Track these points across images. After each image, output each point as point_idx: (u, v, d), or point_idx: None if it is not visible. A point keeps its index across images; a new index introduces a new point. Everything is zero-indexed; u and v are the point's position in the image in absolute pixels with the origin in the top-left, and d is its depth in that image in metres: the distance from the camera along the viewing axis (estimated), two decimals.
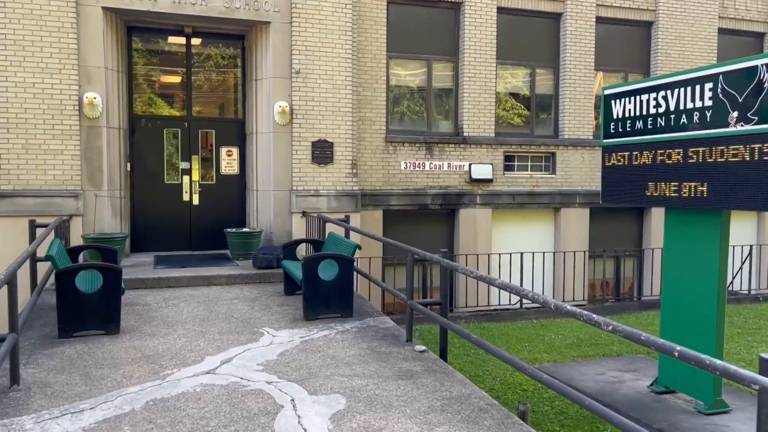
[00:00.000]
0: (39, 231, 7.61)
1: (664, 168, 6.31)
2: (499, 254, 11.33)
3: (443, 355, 5.81)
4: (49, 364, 5.18)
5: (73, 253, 7.10)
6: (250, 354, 5.57)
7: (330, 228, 9.07)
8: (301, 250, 9.47)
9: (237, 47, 10.89)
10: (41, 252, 6.67)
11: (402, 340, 6.08)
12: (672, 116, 6.24)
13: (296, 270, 7.26)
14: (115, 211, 9.62)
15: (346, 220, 9.16)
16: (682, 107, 6.12)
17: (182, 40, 10.60)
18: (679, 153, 6.13)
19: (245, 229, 9.93)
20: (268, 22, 10.08)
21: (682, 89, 6.11)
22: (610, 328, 3.38)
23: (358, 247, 7.02)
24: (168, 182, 10.59)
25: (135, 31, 10.31)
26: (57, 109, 8.93)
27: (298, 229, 10.21)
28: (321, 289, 6.72)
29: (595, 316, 3.50)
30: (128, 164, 10.14)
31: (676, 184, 6.16)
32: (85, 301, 5.87)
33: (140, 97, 10.53)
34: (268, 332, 6.28)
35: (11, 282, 4.43)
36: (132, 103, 10.36)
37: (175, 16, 9.67)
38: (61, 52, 8.91)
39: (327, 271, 6.92)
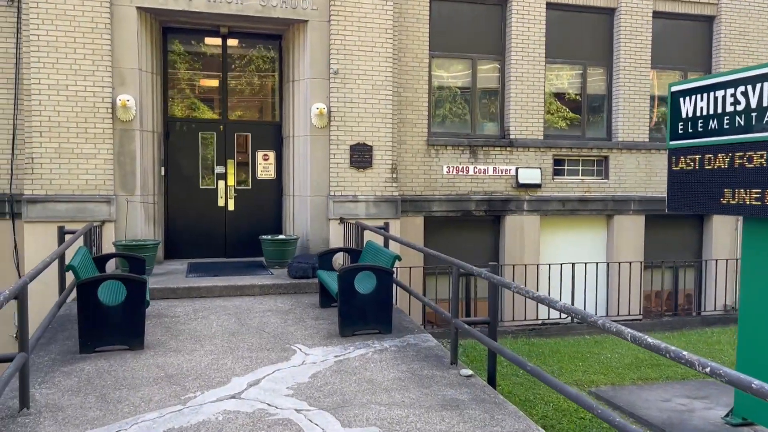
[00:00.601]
0: (69, 237, 7.33)
1: (743, 172, 5.59)
2: (549, 265, 10.63)
3: (492, 381, 5.23)
4: (66, 383, 4.81)
5: (101, 261, 6.80)
6: (280, 375, 5.11)
7: (368, 236, 8.59)
8: (339, 259, 9.00)
9: (274, 48, 10.53)
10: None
11: (446, 362, 5.52)
12: (754, 114, 5.51)
13: (331, 281, 6.78)
14: (148, 217, 9.34)
15: (386, 227, 8.65)
16: (766, 104, 5.39)
17: (218, 41, 10.30)
18: (762, 156, 5.40)
19: (281, 236, 9.53)
20: (306, 21, 9.68)
21: (767, 84, 5.39)
22: (670, 355, 2.80)
23: (398, 257, 6.49)
24: (203, 187, 10.29)
25: (170, 32, 10.05)
26: (90, 112, 8.71)
27: (336, 236, 9.75)
28: (358, 303, 6.22)
29: (673, 350, 2.88)
30: (162, 168, 9.87)
31: (759, 191, 5.44)
32: (107, 315, 5.51)
33: (175, 99, 10.26)
34: (300, 350, 5.81)
35: (20, 297, 4.06)
36: (167, 105, 10.10)
37: (210, 15, 9.36)
38: (95, 54, 8.69)
39: (364, 284, 6.42)
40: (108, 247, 8.56)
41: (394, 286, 6.80)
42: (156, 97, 9.61)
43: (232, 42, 10.39)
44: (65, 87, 8.59)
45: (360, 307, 6.23)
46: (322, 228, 9.85)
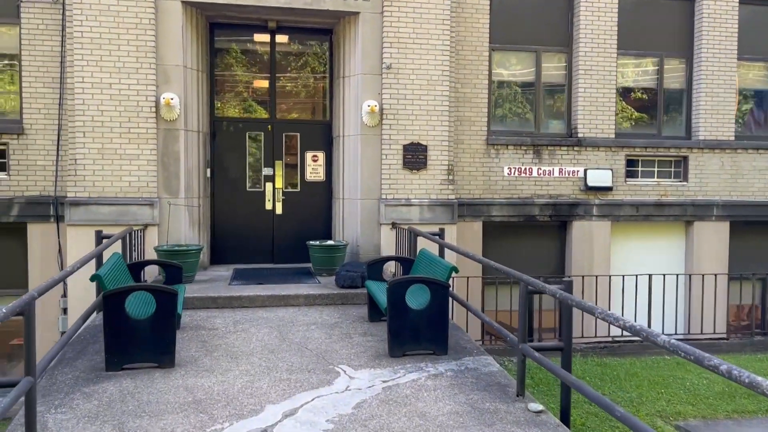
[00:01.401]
0: (100, 246, 6.96)
1: None
2: (623, 276, 9.64)
3: (566, 418, 4.45)
4: (84, 407, 4.34)
5: (137, 268, 6.37)
6: (320, 404, 4.49)
7: (421, 243, 7.90)
8: (390, 267, 8.36)
9: (324, 43, 9.99)
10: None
11: (511, 393, 4.77)
12: None
13: (380, 294, 6.13)
14: (192, 221, 8.96)
15: (441, 234, 7.94)
16: None
17: (266, 37, 9.84)
18: None
19: (329, 242, 8.95)
20: (357, 13, 9.09)
21: None
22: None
23: (455, 269, 5.78)
24: (250, 189, 9.85)
25: (217, 28, 9.65)
26: (133, 111, 8.38)
27: (387, 242, 9.11)
28: (409, 319, 5.54)
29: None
30: (208, 170, 9.48)
31: None
32: (135, 329, 5.04)
33: (222, 98, 9.87)
34: (344, 372, 5.18)
35: (26, 313, 3.58)
36: (213, 104, 9.71)
37: (257, 9, 8.90)
38: (138, 50, 8.35)
39: (417, 298, 5.75)
40: (150, 253, 8.19)
41: (451, 300, 6.08)
42: (202, 95, 9.22)
43: (280, 38, 9.91)
44: (108, 85, 8.29)
45: (412, 324, 5.55)
46: (373, 233, 9.23)
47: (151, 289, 5.11)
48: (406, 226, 8.69)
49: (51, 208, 8.78)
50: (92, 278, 5.03)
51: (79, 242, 8.12)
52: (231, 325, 6.54)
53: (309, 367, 5.27)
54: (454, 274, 6.37)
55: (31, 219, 8.76)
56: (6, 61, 8.95)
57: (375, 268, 6.90)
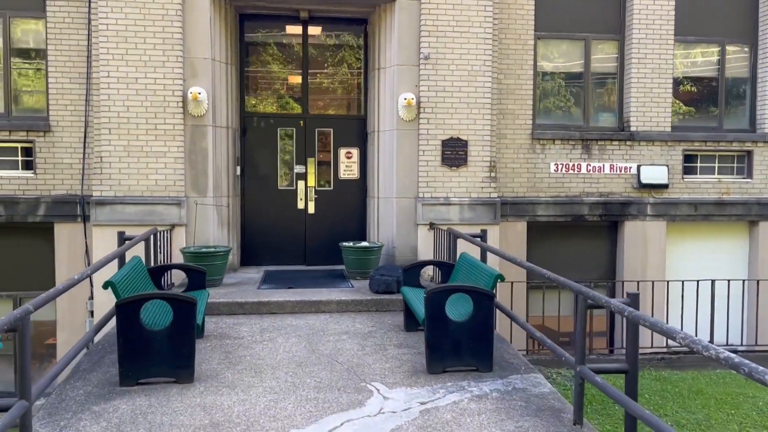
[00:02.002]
0: (119, 249, 6.61)
1: None
2: (682, 282, 8.85)
3: None
4: (91, 431, 3.94)
5: (158, 273, 5.99)
6: (350, 430, 3.99)
7: (462, 245, 7.34)
8: (428, 271, 7.83)
9: (358, 34, 9.50)
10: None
11: (566, 420, 4.19)
12: None
13: (418, 303, 5.60)
14: (221, 221, 8.59)
15: (483, 235, 7.35)
16: None
17: (298, 29, 9.40)
18: None
19: (363, 244, 8.47)
20: (393, 0, 8.56)
21: None
22: None
23: (501, 277, 5.21)
24: (282, 188, 9.43)
25: (247, 20, 9.26)
26: (160, 107, 8.04)
27: (425, 243, 8.57)
28: (450, 332, 5.00)
29: None
30: (238, 168, 9.10)
31: None
32: (151, 340, 4.63)
33: (252, 92, 9.48)
34: (378, 391, 4.67)
35: (19, 329, 3.18)
36: (243, 99, 9.33)
37: None
38: (165, 43, 8.01)
39: (458, 309, 5.20)
40: (178, 255, 7.85)
41: (495, 311, 5.51)
42: (231, 90, 8.84)
43: (313, 29, 9.46)
44: (134, 80, 7.96)
45: (452, 337, 5.01)
46: (410, 234, 8.70)
47: (168, 297, 4.70)
48: (444, 227, 8.14)
49: (78, 208, 8.53)
50: (105, 285, 4.65)
51: (105, 243, 7.82)
52: (257, 334, 6.11)
53: (339, 384, 4.79)
54: (499, 282, 5.79)
55: (58, 219, 8.53)
56: (32, 57, 8.73)
57: (412, 273, 6.37)
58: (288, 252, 9.44)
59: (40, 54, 8.70)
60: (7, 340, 8.45)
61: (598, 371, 4.08)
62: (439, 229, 8.22)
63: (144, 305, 4.74)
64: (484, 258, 7.00)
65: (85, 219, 8.47)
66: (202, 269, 6.01)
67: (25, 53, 8.74)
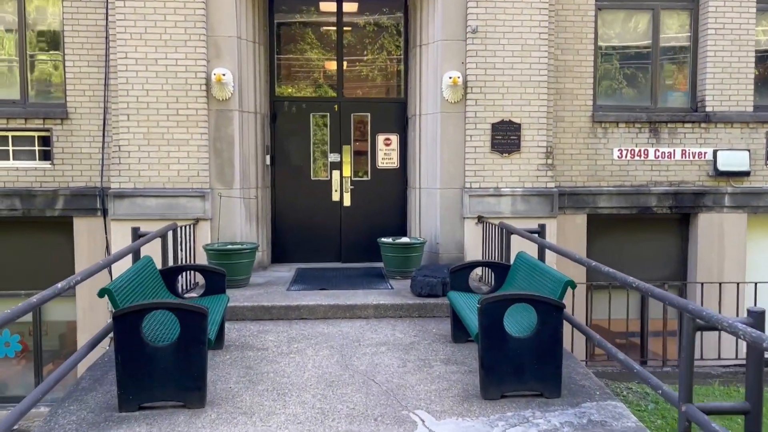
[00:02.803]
0: (126, 247, 5.92)
1: None
2: None
3: None
4: None
5: (173, 274, 5.27)
6: None
7: (516, 242, 6.45)
8: (477, 272, 6.96)
9: (398, 8, 8.63)
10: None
11: None
12: None
13: (468, 313, 4.75)
14: (249, 214, 7.88)
15: (541, 231, 6.43)
16: None
17: (332, 5, 8.59)
18: None
19: (403, 239, 7.65)
20: None
21: None
22: None
23: (571, 284, 4.30)
24: (315, 178, 8.68)
25: None
26: (181, 90, 7.36)
27: (472, 239, 7.70)
28: (509, 350, 4.15)
29: None
30: (267, 157, 8.37)
31: None
32: (155, 358, 3.92)
33: (282, 75, 8.72)
34: (423, 422, 3.86)
35: None
36: (273, 82, 8.58)
37: None
38: (187, 20, 7.31)
39: (518, 321, 4.35)
40: (201, 253, 7.17)
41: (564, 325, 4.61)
42: (259, 72, 8.10)
43: (349, 6, 8.64)
44: (154, 61, 7.30)
45: (512, 356, 4.15)
46: (455, 229, 7.83)
47: (173, 307, 3.97)
48: (495, 221, 7.25)
49: (98, 201, 7.96)
50: (100, 293, 3.95)
51: (125, 240, 7.16)
52: (284, 344, 5.36)
53: (376, 412, 3.99)
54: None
55: (77, 213, 7.97)
56: (48, 39, 8.15)
57: (460, 275, 5.50)
58: (321, 249, 8.69)
59: (56, 36, 8.12)
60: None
61: (711, 411, 3.16)
62: (489, 224, 7.33)
63: (147, 316, 4.03)
64: (541, 257, 6.09)
65: (105, 213, 7.89)
66: (221, 270, 5.28)
67: (41, 36, 8.18)
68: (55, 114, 7.93)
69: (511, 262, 6.26)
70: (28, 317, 8.02)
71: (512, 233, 6.43)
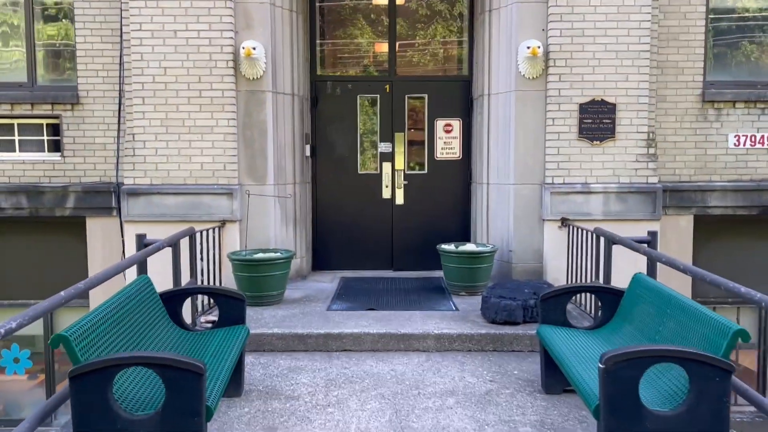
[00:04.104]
0: (125, 259, 4.75)
1: None
2: None
3: None
4: None
5: (176, 300, 4.08)
6: None
7: (620, 255, 5.02)
8: (559, 278, 5.52)
9: None
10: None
11: None
12: None
13: (576, 365, 3.37)
14: (285, 215, 6.68)
15: (651, 240, 4.95)
16: None
17: None
18: None
19: (468, 247, 6.30)
20: None
21: None
22: None
23: (743, 335, 2.86)
24: (362, 172, 7.41)
25: None
26: (204, 67, 6.19)
27: (554, 247, 6.28)
28: (646, 429, 2.77)
29: None
30: (307, 147, 7.14)
31: None
32: None
33: (326, 50, 7.46)
34: None
35: None
36: (314, 58, 7.34)
37: None
38: None
39: (658, 388, 2.95)
40: (228, 263, 6.00)
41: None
42: (297, 46, 6.85)
43: None
44: (173, 33, 6.15)
45: None
46: (532, 234, 6.42)
47: (155, 362, 2.75)
48: (583, 224, 5.82)
49: (113, 198, 6.90)
50: (53, 342, 2.76)
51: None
52: (321, 391, 4.10)
53: None
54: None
55: (90, 212, 6.95)
56: (57, 13, 7.11)
57: (554, 305, 4.11)
58: (370, 254, 7.42)
59: (66, 8, 7.07)
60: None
61: None
62: (575, 227, 5.89)
63: (121, 373, 2.84)
64: (652, 274, 4.66)
65: (122, 212, 6.82)
66: (238, 295, 4.05)
67: (49, 7, 7.13)
68: (65, 98, 6.90)
69: (614, 282, 4.86)
70: (39, 330, 7.08)
71: (613, 242, 4.98)
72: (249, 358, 4.68)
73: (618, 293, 4.08)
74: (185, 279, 5.19)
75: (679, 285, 6.25)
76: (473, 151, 7.24)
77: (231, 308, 4.07)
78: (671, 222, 6.88)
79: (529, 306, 5.02)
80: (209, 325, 4.79)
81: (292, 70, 6.74)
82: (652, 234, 5.00)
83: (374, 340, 4.85)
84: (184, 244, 5.13)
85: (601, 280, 5.10)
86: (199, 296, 5.30)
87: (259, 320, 5.16)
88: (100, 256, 6.94)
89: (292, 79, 6.76)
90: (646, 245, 4.81)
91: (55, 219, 6.98)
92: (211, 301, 5.47)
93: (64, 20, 7.07)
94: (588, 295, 5.26)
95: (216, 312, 5.04)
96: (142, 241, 4.81)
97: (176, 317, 4.00)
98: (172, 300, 4.03)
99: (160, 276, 4.81)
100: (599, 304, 4.22)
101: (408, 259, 7.39)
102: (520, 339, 4.84)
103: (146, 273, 4.53)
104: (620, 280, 4.84)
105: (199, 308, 5.22)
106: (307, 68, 7.20)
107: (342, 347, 4.86)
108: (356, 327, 4.96)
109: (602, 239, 5.13)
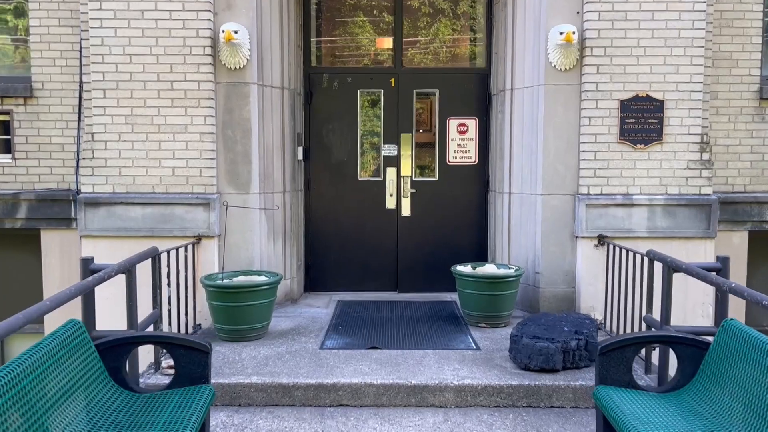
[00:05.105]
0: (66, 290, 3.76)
1: None
2: None
3: None
4: None
5: (122, 348, 3.11)
6: None
7: (683, 283, 4.05)
8: (593, 311, 4.60)
9: None
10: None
11: None
12: None
13: None
14: (273, 229, 5.70)
15: (722, 268, 3.96)
16: None
17: None
18: None
19: (488, 269, 5.33)
20: None
21: None
22: None
23: None
24: (363, 178, 6.44)
25: None
26: (177, 55, 5.22)
27: (589, 269, 5.31)
28: None
29: None
30: (299, 149, 6.16)
31: None
32: None
33: (322, 37, 6.50)
34: None
35: None
36: (308, 47, 6.37)
37: None
38: None
39: None
40: (200, 290, 5.01)
41: None
42: (289, 31, 5.88)
43: None
44: (139, 13, 5.17)
45: None
46: (563, 253, 5.44)
47: None
48: (626, 242, 4.87)
49: (72, 208, 5.92)
50: None
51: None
52: None
53: None
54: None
55: (46, 223, 5.97)
56: None
57: (617, 359, 3.12)
58: (371, 273, 6.45)
59: None
60: None
61: None
62: (616, 246, 4.93)
63: None
64: (722, 311, 3.71)
65: (79, 225, 5.83)
66: (200, 346, 3.06)
67: None
68: (16, 91, 5.92)
69: (674, 320, 3.91)
70: None
71: (676, 270, 4.00)
72: (220, 416, 3.70)
73: (701, 345, 3.10)
74: (147, 311, 4.21)
75: (735, 307, 5.30)
76: (491, 156, 6.28)
77: (191, 363, 3.09)
78: (722, 239, 5.91)
79: (570, 349, 4.05)
80: (171, 371, 3.82)
81: (281, 59, 5.76)
82: (723, 260, 4.00)
83: (378, 393, 3.87)
84: (147, 267, 4.17)
85: (656, 317, 4.12)
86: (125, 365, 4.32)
87: (236, 364, 4.18)
88: (57, 274, 5.96)
89: (282, 70, 5.78)
90: (714, 273, 3.84)
91: (5, 231, 6.00)
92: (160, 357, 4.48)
93: (17, 2, 6.10)
94: (667, 350, 4.27)
95: (159, 378, 4.04)
96: (88, 267, 3.82)
97: (117, 374, 3.03)
98: (113, 351, 3.05)
99: (121, 307, 3.88)
100: (662, 352, 3.24)
101: (415, 280, 6.42)
102: (561, 392, 3.87)
103: (93, 306, 3.61)
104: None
105: (155, 365, 4.21)
106: (300, 57, 6.23)
107: (338, 401, 3.88)
108: (356, 374, 3.98)
109: (659, 265, 4.15)
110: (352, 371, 4.03)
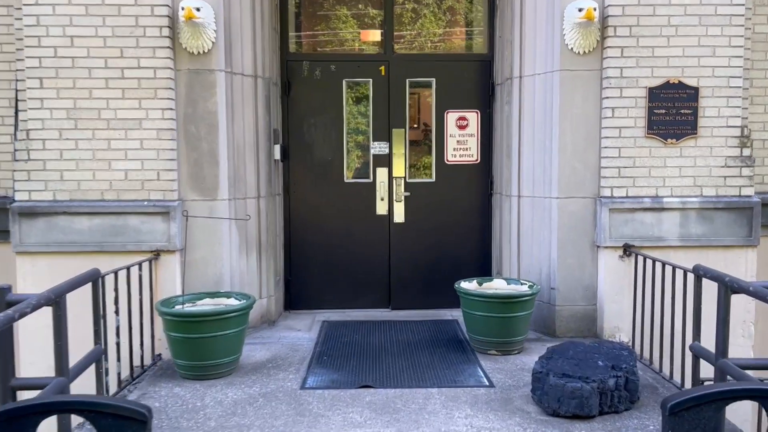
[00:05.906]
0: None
1: None
2: None
3: None
4: None
5: (25, 421, 2.32)
6: None
7: (739, 308, 3.32)
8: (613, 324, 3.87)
9: None
10: None
11: None
12: None
13: None
14: (246, 241, 4.90)
15: None
16: None
17: None
18: None
19: (497, 285, 4.59)
20: None
21: None
22: None
23: None
24: (350, 180, 5.65)
25: None
26: (129, 37, 4.40)
27: (613, 284, 4.58)
28: None
29: None
30: (276, 148, 5.36)
31: None
32: None
33: (302, 18, 5.70)
34: None
35: None
36: (285, 30, 5.57)
37: None
38: None
39: None
40: (155, 317, 4.20)
41: None
42: (262, 11, 5.07)
43: None
44: None
45: None
46: (583, 265, 4.71)
47: None
48: (655, 252, 4.17)
49: (8, 219, 5.06)
50: None
51: (38, 285, 4.26)
52: None
53: None
54: None
55: None
56: None
57: (695, 420, 2.38)
58: (360, 288, 5.67)
59: None
60: None
61: None
62: (643, 258, 4.21)
63: None
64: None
65: (13, 239, 4.98)
66: (136, 415, 2.24)
67: None
68: None
69: (731, 351, 3.18)
70: None
71: (734, 291, 3.27)
72: None
73: None
74: (87, 347, 3.40)
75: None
76: (496, 153, 5.52)
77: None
78: (760, 245, 5.21)
79: (608, 389, 3.31)
80: None
81: (254, 43, 4.96)
82: None
83: None
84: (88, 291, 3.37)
85: (708, 346, 3.39)
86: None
87: (197, 413, 3.38)
88: None
89: (255, 56, 4.97)
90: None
91: None
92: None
93: None
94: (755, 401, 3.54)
95: None
96: (4, 299, 3.00)
97: None
98: (16, 422, 2.23)
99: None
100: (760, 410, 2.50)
101: (410, 295, 5.65)
102: None
103: (11, 349, 2.82)
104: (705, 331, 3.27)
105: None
106: (277, 42, 5.43)
107: None
108: (345, 426, 3.20)
109: (712, 284, 3.41)
110: (340, 422, 3.25)
